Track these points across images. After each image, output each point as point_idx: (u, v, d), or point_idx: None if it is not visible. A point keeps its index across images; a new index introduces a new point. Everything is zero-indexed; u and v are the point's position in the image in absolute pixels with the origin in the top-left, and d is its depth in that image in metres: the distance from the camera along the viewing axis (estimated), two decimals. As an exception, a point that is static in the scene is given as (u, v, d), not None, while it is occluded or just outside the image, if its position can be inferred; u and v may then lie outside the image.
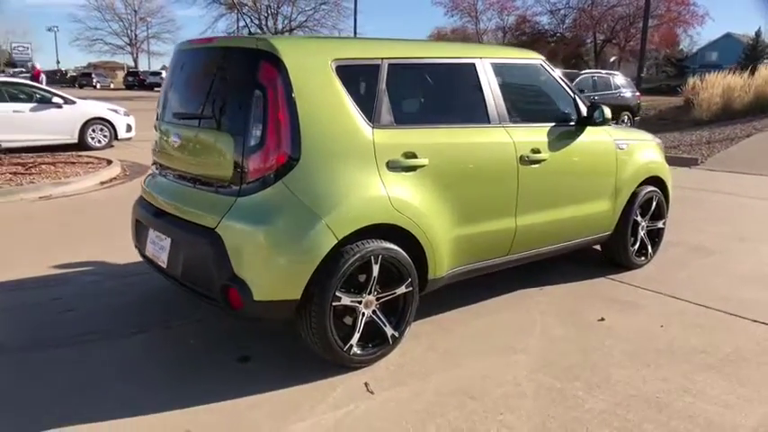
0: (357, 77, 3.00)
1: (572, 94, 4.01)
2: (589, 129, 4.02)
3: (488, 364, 3.08)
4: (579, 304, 3.92)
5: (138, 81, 48.09)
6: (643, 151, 4.50)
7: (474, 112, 3.48)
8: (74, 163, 9.00)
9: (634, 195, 4.41)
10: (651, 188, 4.56)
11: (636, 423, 2.56)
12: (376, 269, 2.93)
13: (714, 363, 3.12)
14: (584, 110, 3.99)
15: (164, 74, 29.41)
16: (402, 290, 3.07)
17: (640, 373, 3.00)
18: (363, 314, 2.96)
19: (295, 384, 2.84)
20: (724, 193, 7.96)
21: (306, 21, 39.06)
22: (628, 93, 15.10)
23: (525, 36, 38.42)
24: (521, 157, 3.54)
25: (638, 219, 4.52)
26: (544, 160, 3.67)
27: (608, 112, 3.96)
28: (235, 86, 2.91)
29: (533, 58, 3.95)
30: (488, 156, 3.42)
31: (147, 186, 3.54)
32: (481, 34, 40.30)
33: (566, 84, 4.03)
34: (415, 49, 3.41)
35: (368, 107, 2.98)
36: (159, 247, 3.15)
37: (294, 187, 2.73)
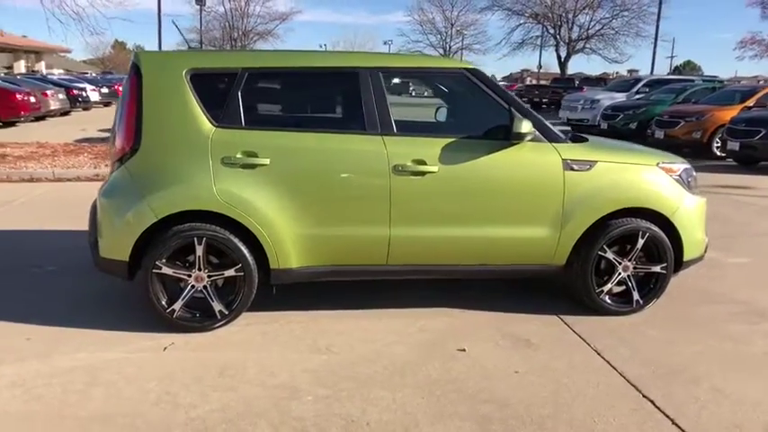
0: (210, 84, 3.48)
1: (507, 107, 3.64)
2: (526, 144, 3.62)
3: (286, 358, 3.24)
4: (472, 332, 3.61)
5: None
6: (622, 175, 3.75)
7: (345, 120, 3.59)
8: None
9: (604, 227, 3.74)
10: (638, 222, 3.77)
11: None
12: (200, 249, 3.40)
13: (497, 416, 2.70)
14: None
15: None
16: (231, 273, 3.46)
17: (401, 400, 2.82)
18: (193, 286, 3.46)
19: (132, 330, 3.49)
20: None
21: (601, 29, 36.93)
22: None
23: None
24: (394, 167, 3.48)
25: (609, 255, 3.79)
26: (431, 172, 3.52)
27: (523, 127, 3.49)
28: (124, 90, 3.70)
29: (455, 68, 3.72)
30: (346, 162, 3.48)
31: None
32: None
33: (502, 96, 3.69)
34: (283, 60, 3.68)
35: (217, 110, 3.44)
36: None
37: (132, 171, 3.40)
